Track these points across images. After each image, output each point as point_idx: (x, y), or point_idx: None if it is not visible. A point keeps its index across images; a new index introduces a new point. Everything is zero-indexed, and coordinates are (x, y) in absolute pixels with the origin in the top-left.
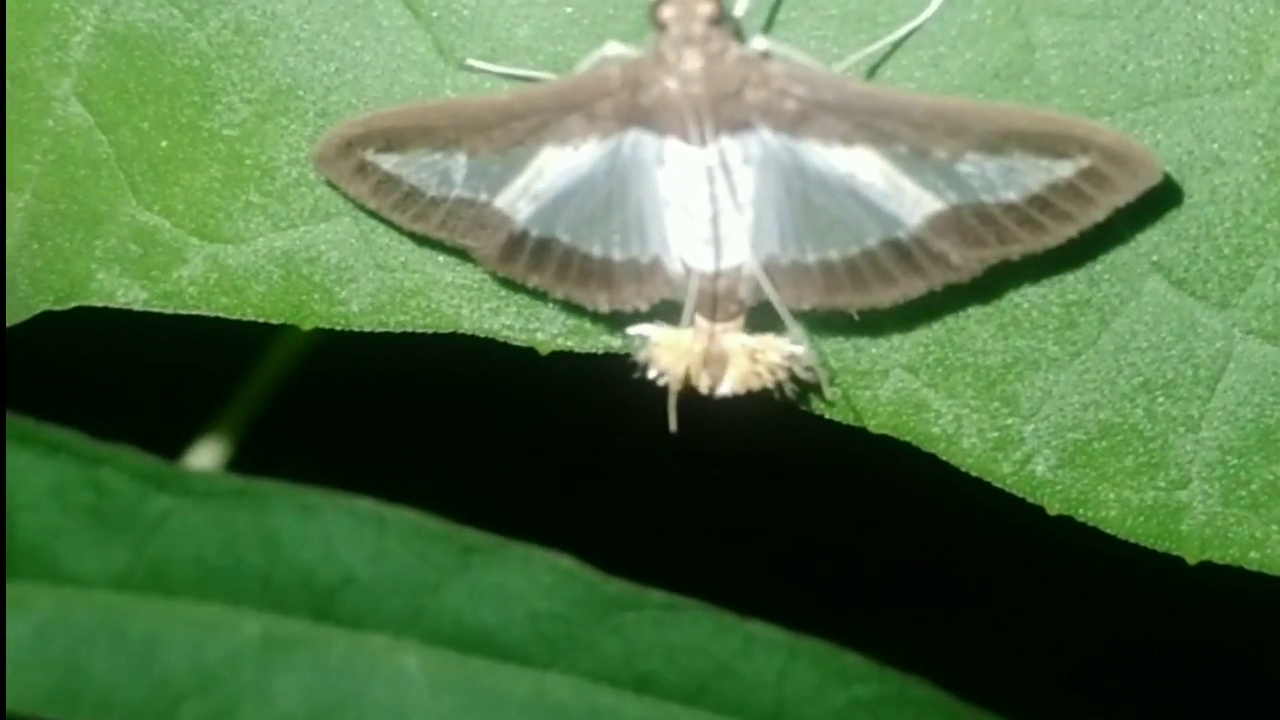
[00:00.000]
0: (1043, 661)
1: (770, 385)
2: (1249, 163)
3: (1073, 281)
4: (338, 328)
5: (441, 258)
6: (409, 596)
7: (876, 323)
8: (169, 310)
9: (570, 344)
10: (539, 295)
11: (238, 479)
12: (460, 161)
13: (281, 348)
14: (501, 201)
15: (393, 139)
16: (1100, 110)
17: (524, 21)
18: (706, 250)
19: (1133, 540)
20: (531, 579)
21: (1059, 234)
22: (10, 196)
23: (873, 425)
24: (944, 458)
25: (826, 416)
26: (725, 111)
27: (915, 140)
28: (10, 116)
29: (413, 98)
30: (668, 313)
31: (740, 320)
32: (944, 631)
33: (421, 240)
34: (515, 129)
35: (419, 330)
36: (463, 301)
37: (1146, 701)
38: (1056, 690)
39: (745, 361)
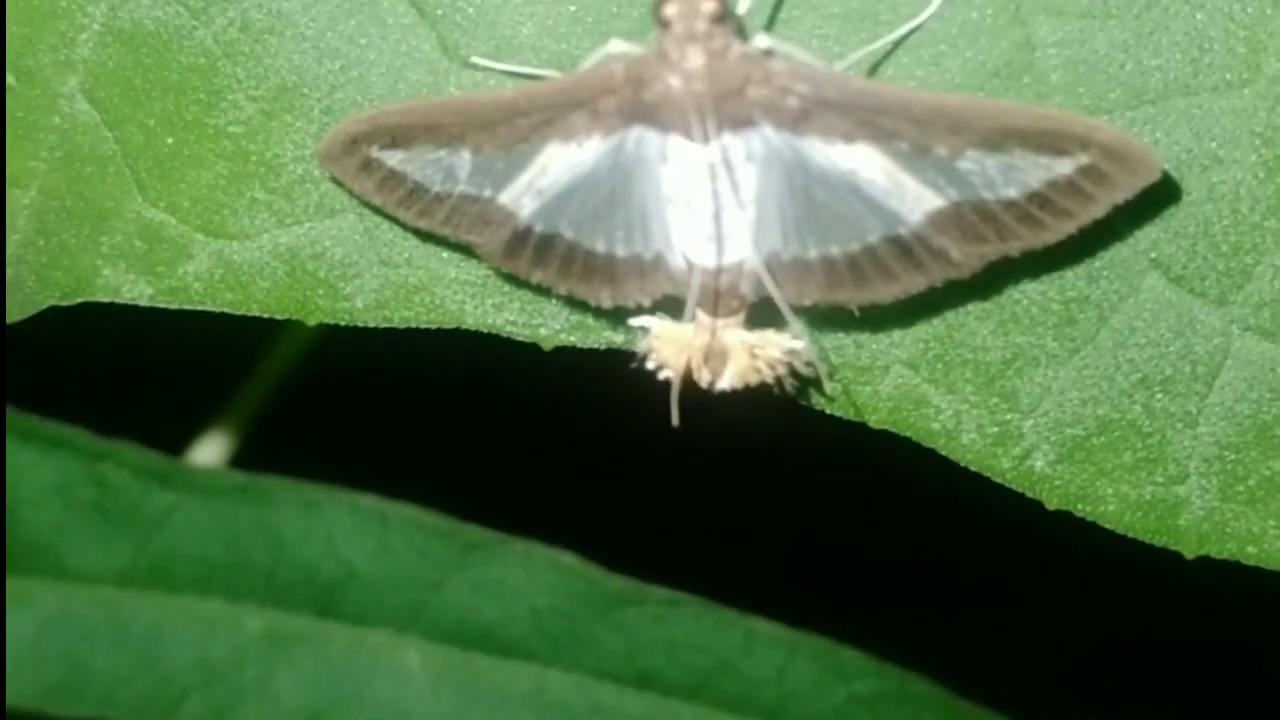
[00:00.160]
0: (1042, 660)
1: (770, 380)
2: (1247, 161)
3: (1072, 278)
4: (342, 323)
5: (445, 254)
6: (411, 593)
7: (877, 319)
8: (174, 306)
9: (573, 339)
10: (542, 291)
11: (240, 475)
12: (464, 158)
13: (286, 344)
14: (505, 198)
15: (397, 136)
16: (1099, 108)
17: (528, 20)
18: (709, 246)
19: (1131, 535)
20: (533, 575)
21: (1059, 231)
22: (16, 193)
23: (873, 421)
24: (944, 453)
25: (827, 412)
26: (728, 108)
27: (916, 137)
28: (17, 113)
29: (417, 95)
30: (670, 308)
31: (741, 316)
32: (943, 630)
33: (425, 236)
34: (519, 126)
35: (423, 326)
36: (466, 297)
37: (1145, 700)
38: (1056, 689)
39: (745, 357)
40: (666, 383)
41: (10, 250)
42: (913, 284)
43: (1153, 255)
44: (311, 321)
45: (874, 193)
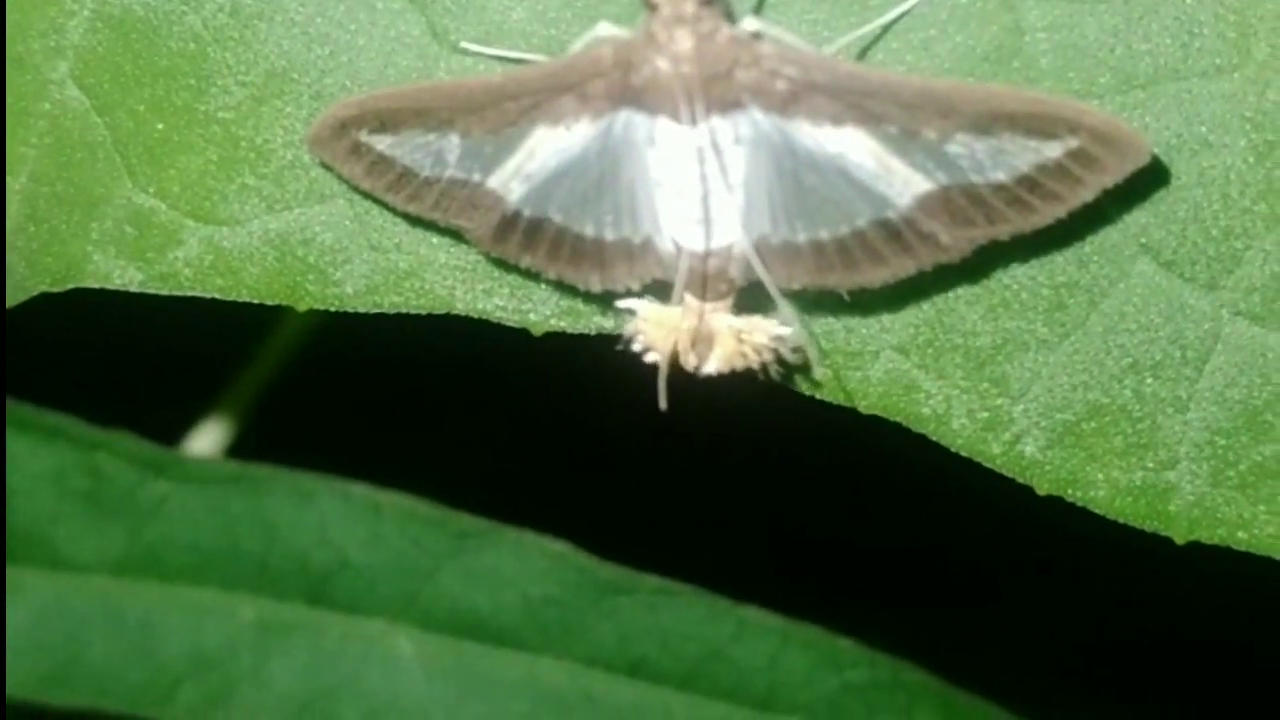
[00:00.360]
0: (1035, 650)
1: (756, 366)
2: (1237, 145)
3: (1062, 263)
4: (332, 309)
5: (435, 239)
6: (403, 581)
7: (867, 304)
8: (164, 292)
9: (563, 325)
10: (532, 276)
11: (234, 465)
12: (453, 142)
13: (280, 335)
14: (494, 182)
15: (386, 120)
16: (1089, 93)
17: (518, 5)
18: (697, 230)
19: (1121, 520)
20: (525, 564)
21: (1048, 214)
22: (7, 180)
23: (863, 406)
24: (934, 438)
25: (817, 397)
26: (716, 91)
27: (905, 121)
28: (7, 100)
29: (407, 80)
30: (660, 293)
31: (729, 300)
32: (936, 620)
33: (415, 221)
34: (508, 109)
35: (413, 311)
36: (456, 283)
37: (1139, 691)
38: (1050, 679)
39: (732, 341)
40: (658, 369)
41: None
42: (902, 268)
43: (1143, 240)
44: (301, 307)
45: (862, 176)
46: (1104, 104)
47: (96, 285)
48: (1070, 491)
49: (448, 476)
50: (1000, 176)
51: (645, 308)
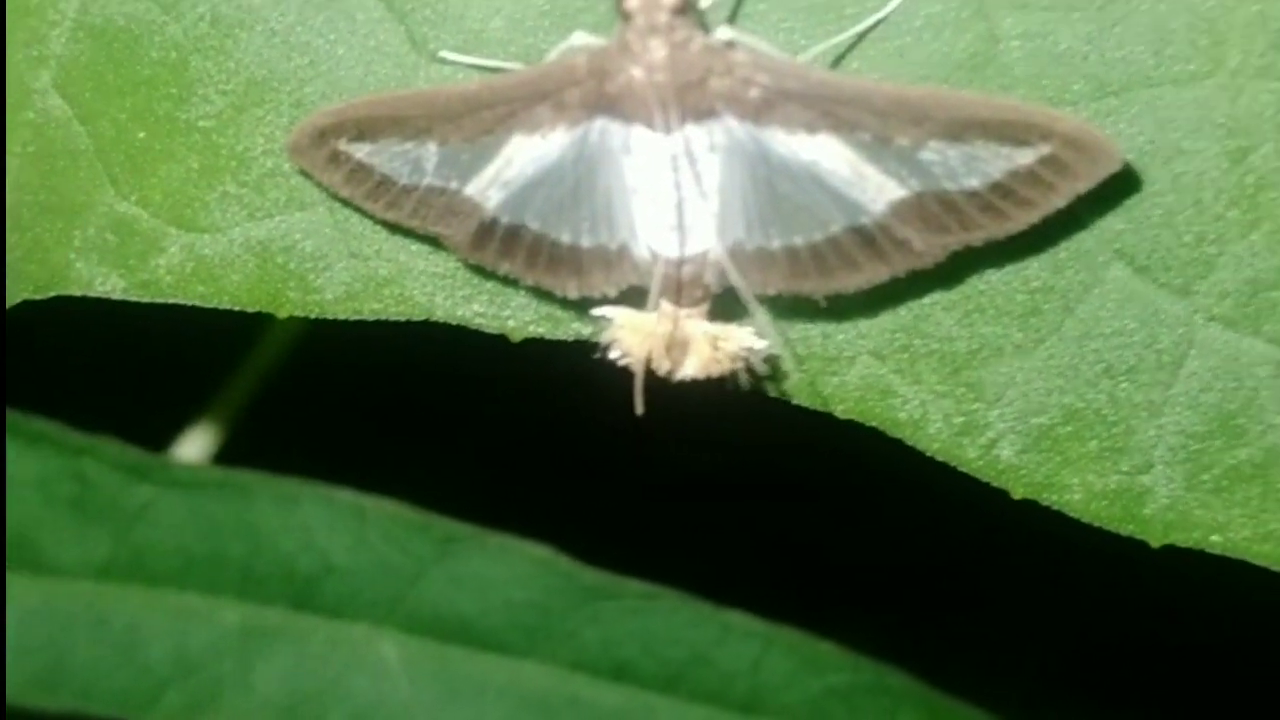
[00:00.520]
0: (1019, 655)
1: (729, 373)
2: (1209, 151)
3: (1037, 269)
4: (313, 315)
5: (414, 246)
6: (388, 586)
7: (844, 309)
8: (146, 299)
9: (541, 331)
10: (510, 283)
11: (218, 470)
12: (431, 150)
13: (268, 342)
14: (472, 189)
15: (365, 128)
16: (1063, 100)
17: (496, 14)
18: (672, 237)
19: (1096, 524)
20: (509, 568)
21: (1021, 220)
22: None
23: (840, 411)
24: (910, 443)
25: (794, 402)
26: (690, 99)
27: (878, 128)
28: None
29: (386, 89)
30: (636, 299)
31: (705, 307)
32: (920, 624)
33: (394, 229)
34: (484, 118)
35: (392, 318)
36: (436, 289)
37: (1123, 695)
38: (1033, 683)
39: (706, 348)
40: (645, 376)
41: None
42: (876, 274)
43: (1117, 246)
44: (282, 314)
45: (836, 183)
46: (1078, 111)
47: (79, 293)
48: (1046, 495)
49: (432, 482)
50: (973, 183)
51: (621, 314)
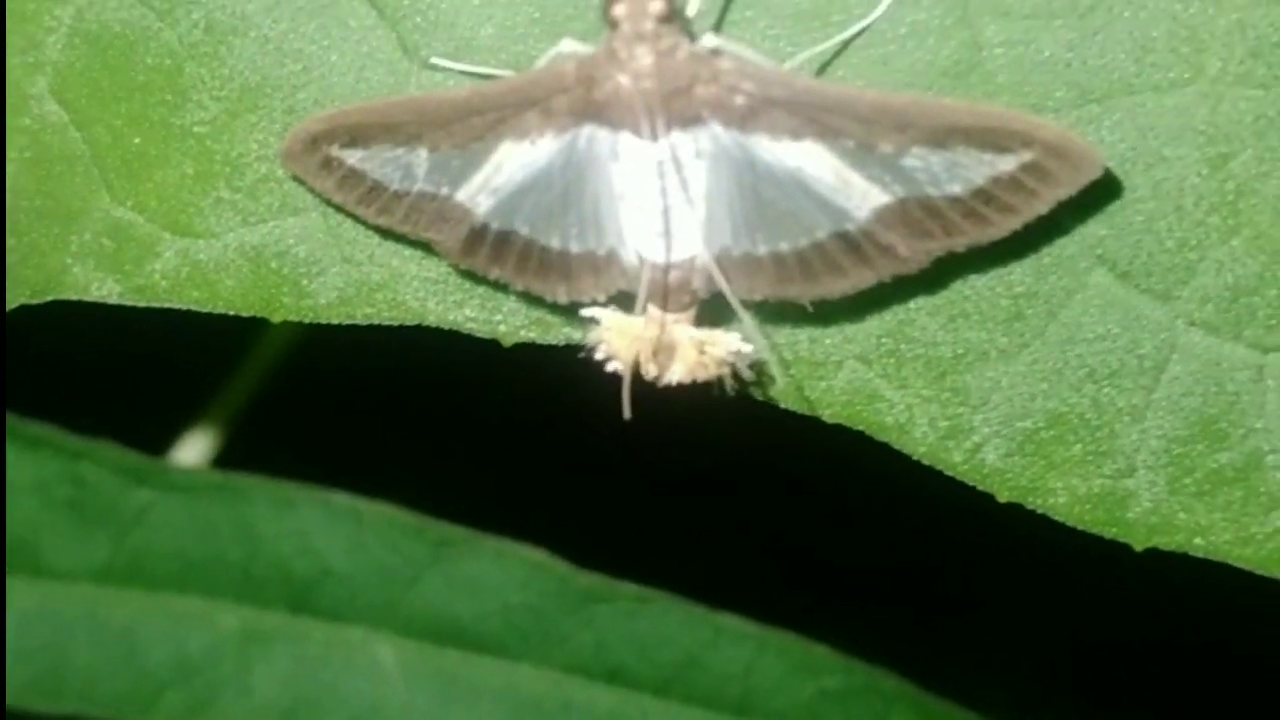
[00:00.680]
0: (1011, 657)
1: (715, 378)
2: (1190, 158)
3: (1020, 274)
4: (306, 320)
5: (407, 251)
6: (384, 589)
7: (830, 314)
8: (142, 304)
9: (532, 335)
10: (501, 288)
11: (217, 474)
12: (422, 156)
13: (265, 346)
14: (462, 195)
15: (356, 135)
16: (1045, 107)
17: (487, 21)
18: (659, 242)
19: (1081, 528)
20: (505, 572)
21: (1003, 226)
22: None
23: (827, 415)
24: (896, 447)
25: (782, 406)
26: (676, 107)
27: (862, 135)
28: None
29: (378, 96)
30: (625, 304)
31: (692, 312)
32: (913, 627)
33: (387, 234)
34: (474, 124)
35: (385, 323)
36: (428, 295)
37: (1115, 696)
38: (1025, 685)
39: (693, 353)
40: (636, 380)
41: None
42: (861, 279)
43: (1099, 252)
44: (276, 318)
45: (821, 190)
46: (1060, 118)
47: (75, 297)
48: (1030, 499)
49: (428, 485)
50: (956, 189)
51: (608, 316)
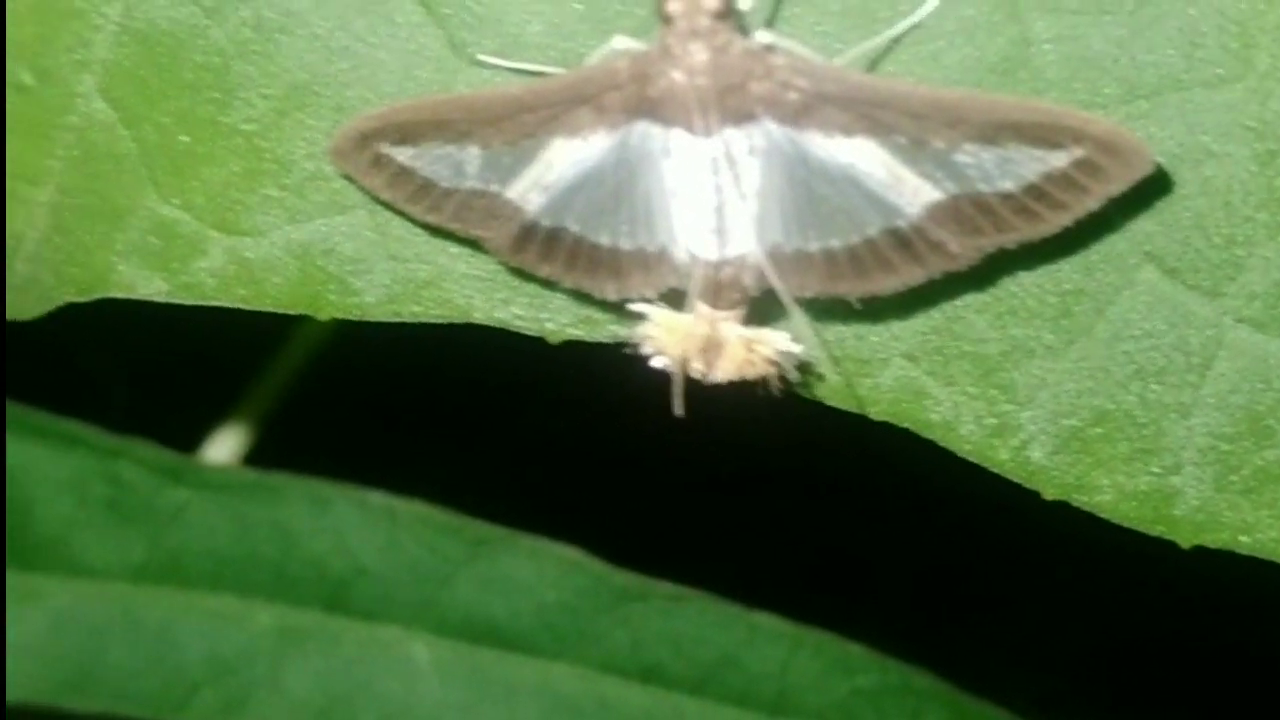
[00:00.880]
0: (1045, 656)
1: (764, 376)
2: (1239, 154)
3: (1068, 271)
4: (353, 318)
5: (454, 249)
6: (419, 588)
7: (877, 312)
8: (189, 302)
9: (579, 333)
10: (549, 285)
11: (251, 472)
12: (473, 154)
13: (299, 342)
14: (513, 193)
15: (407, 132)
16: (1094, 103)
17: (535, 18)
18: (712, 239)
19: (1127, 525)
20: (540, 571)
21: (1055, 223)
22: (33, 191)
23: (873, 413)
24: (942, 444)
25: (828, 404)
26: (730, 103)
27: (914, 131)
28: (34, 113)
29: (426, 93)
30: (675, 302)
31: (742, 311)
32: (949, 630)
33: (435, 232)
34: (525, 121)
35: (432, 320)
36: (474, 292)
37: (1150, 695)
38: (1062, 689)
39: (741, 351)
40: (671, 378)
41: (28, 248)
42: (912, 276)
43: (1147, 248)
44: (323, 316)
45: (873, 186)
46: (1109, 114)
47: (122, 295)
48: (1076, 496)
49: (462, 483)
50: (1008, 186)
51: (657, 313)
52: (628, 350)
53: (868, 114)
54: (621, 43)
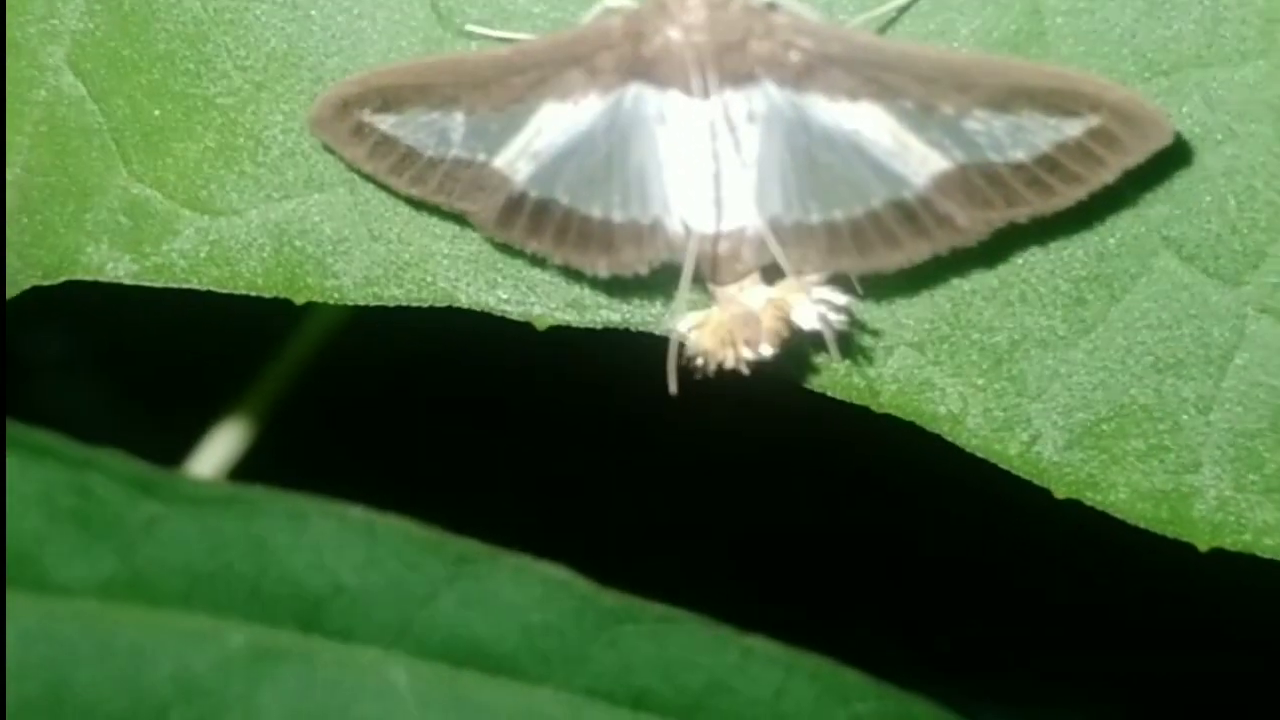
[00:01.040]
0: (1045, 677)
1: (806, 330)
2: (1262, 134)
3: (1082, 257)
4: (331, 301)
5: (438, 228)
6: (399, 607)
7: (882, 297)
8: (159, 284)
9: (568, 318)
10: (537, 263)
11: (226, 485)
12: (458, 120)
13: (293, 349)
14: (500, 161)
15: (390, 98)
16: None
17: None
18: (709, 211)
19: (1142, 525)
20: (525, 590)
21: (1068, 196)
22: None
23: (877, 405)
24: (949, 438)
25: (831, 395)
26: (729, 63)
27: (922, 95)
28: None
29: None
30: (668, 279)
31: (756, 276)
32: (944, 650)
33: (418, 208)
34: (514, 85)
35: (414, 304)
36: (459, 274)
37: (1172, 698)
38: (1056, 706)
39: (772, 319)
40: (671, 395)
41: None
42: (917, 252)
43: (1165, 233)
44: (300, 300)
45: (878, 154)
46: None
47: (89, 278)
48: (1089, 494)
49: (447, 499)
50: (1019, 155)
51: (687, 323)
52: (685, 364)
53: (874, 77)
54: (615, 1)
